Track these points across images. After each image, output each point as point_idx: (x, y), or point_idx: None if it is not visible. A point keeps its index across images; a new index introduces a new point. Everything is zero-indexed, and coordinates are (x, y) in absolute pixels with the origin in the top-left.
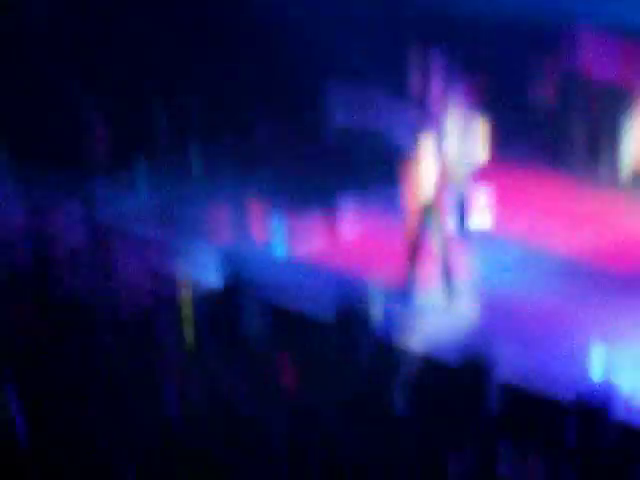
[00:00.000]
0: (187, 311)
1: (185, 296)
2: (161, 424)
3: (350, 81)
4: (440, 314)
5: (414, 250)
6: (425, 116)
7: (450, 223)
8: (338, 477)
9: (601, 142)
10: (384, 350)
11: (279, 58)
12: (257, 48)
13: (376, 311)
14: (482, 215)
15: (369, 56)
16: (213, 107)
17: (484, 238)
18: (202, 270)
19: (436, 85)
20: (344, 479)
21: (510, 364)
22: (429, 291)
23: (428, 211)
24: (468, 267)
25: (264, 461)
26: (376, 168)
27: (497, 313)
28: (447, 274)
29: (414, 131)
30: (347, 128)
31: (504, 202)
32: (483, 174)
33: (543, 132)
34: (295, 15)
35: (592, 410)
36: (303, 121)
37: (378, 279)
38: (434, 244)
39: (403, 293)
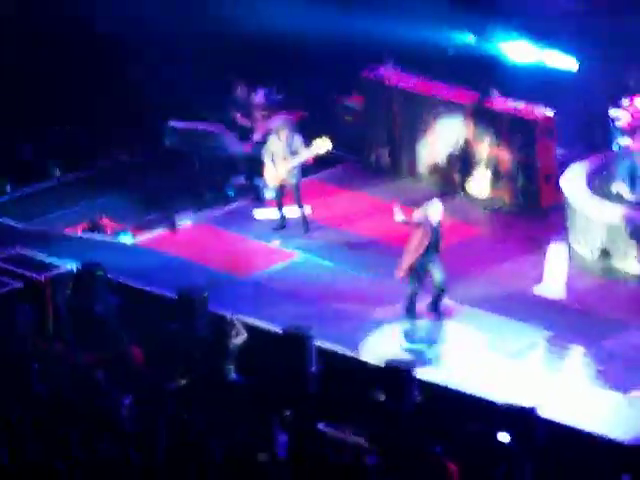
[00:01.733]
0: (48, 292)
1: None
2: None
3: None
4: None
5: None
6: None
7: None
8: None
9: (403, 140)
10: (218, 324)
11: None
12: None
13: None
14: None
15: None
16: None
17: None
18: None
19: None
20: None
21: (329, 333)
22: None
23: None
24: None
25: (114, 431)
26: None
27: (315, 287)
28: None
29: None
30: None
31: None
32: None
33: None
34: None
35: (399, 372)
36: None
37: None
38: None
39: None
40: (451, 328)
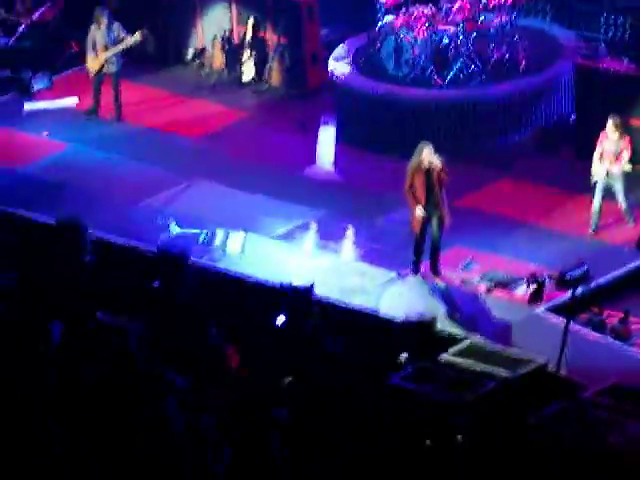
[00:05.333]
0: None
1: None
2: None
3: None
4: None
5: None
6: None
7: None
8: None
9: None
10: None
11: None
12: None
13: None
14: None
15: None
16: None
17: None
18: None
19: None
20: None
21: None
22: None
23: None
24: None
25: None
26: None
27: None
28: None
29: None
30: None
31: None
32: None
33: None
34: None
35: (173, 258)
36: None
37: None
38: None
39: None
40: (223, 212)
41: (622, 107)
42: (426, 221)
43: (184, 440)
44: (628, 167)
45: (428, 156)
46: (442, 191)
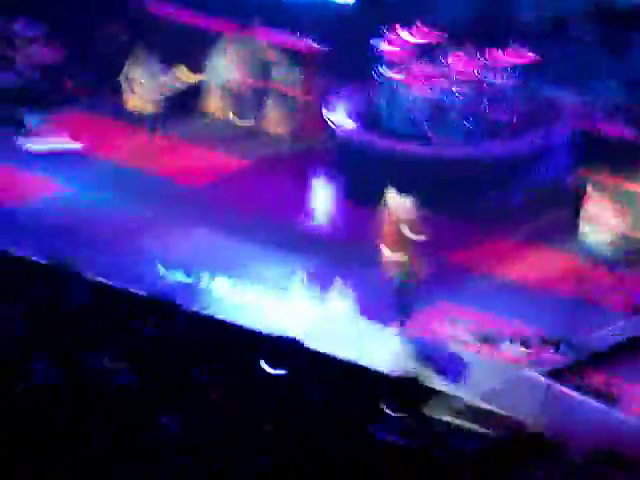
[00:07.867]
0: None
1: None
2: None
3: None
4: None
5: None
6: None
7: None
8: None
9: None
10: None
11: None
12: None
13: None
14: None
15: None
16: None
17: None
18: None
19: None
20: None
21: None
22: None
23: None
24: None
25: None
26: None
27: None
28: None
29: None
30: None
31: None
32: None
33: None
34: None
35: (165, 303)
36: None
37: None
38: None
39: None
40: (213, 259)
41: (619, 172)
42: (402, 272)
43: None
44: None
45: (398, 207)
46: (414, 244)
